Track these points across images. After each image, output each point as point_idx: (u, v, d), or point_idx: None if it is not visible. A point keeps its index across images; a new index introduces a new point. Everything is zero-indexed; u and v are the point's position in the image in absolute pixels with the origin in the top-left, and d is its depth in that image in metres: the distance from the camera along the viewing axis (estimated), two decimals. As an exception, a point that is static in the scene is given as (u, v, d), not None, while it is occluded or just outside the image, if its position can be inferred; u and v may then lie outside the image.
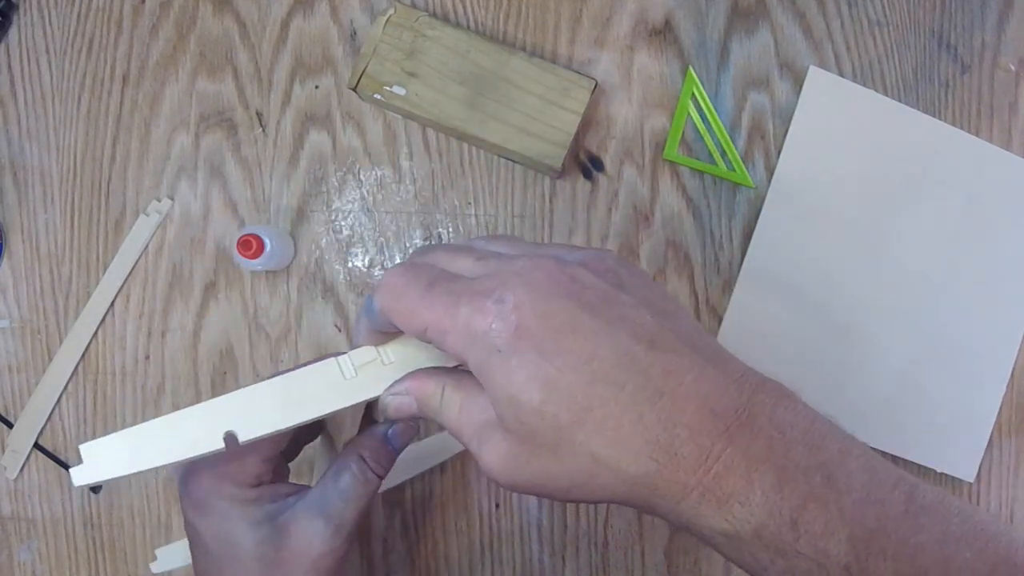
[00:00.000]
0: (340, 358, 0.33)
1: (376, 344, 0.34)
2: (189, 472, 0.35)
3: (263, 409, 0.31)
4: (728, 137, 0.54)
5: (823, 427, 0.29)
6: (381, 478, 0.35)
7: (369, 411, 0.37)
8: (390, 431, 0.36)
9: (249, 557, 0.34)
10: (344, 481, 0.34)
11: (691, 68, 0.54)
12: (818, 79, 0.53)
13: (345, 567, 0.35)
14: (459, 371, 0.33)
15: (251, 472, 0.35)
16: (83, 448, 0.30)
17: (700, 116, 0.54)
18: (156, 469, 0.31)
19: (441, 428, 0.44)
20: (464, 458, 0.54)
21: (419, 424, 0.36)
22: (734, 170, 0.54)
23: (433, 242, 0.56)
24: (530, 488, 0.30)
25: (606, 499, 0.29)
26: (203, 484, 0.35)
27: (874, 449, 0.30)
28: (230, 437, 0.30)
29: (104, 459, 0.30)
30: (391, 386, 0.33)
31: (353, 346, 0.35)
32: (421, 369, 0.33)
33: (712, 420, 0.28)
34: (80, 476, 0.30)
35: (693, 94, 0.54)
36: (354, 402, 0.33)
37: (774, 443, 0.28)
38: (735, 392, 0.29)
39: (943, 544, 0.27)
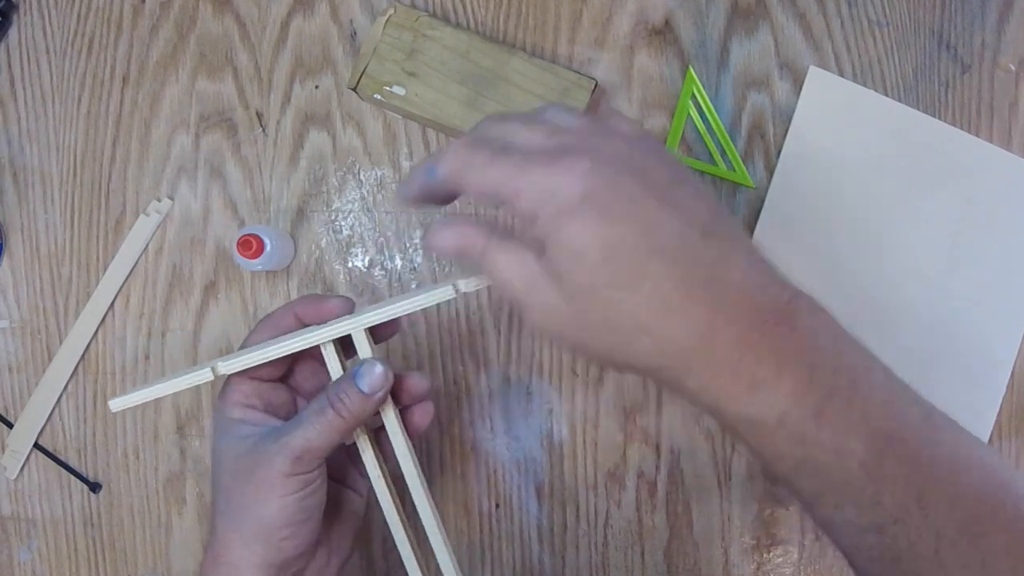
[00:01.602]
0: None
1: (417, 205, 0.36)
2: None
3: (244, 354, 0.40)
4: (728, 137, 0.54)
5: (850, 341, 0.31)
6: (342, 415, 0.37)
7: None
8: (357, 371, 0.38)
9: (225, 469, 0.38)
10: (305, 413, 0.38)
11: (691, 68, 0.54)
12: (818, 79, 0.53)
13: (305, 494, 0.37)
14: (504, 230, 0.34)
15: (242, 390, 0.40)
16: (112, 402, 0.40)
17: (700, 116, 0.54)
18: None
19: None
20: (464, 458, 0.55)
21: (391, 374, 0.39)
22: (734, 170, 0.54)
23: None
24: (572, 343, 0.32)
25: (639, 367, 0.31)
26: (216, 409, 0.41)
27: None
28: (214, 368, 0.39)
29: (132, 397, 0.40)
30: (434, 225, 0.34)
31: (400, 199, 0.42)
32: (468, 219, 0.34)
33: (754, 312, 0.30)
34: (117, 404, 0.39)
35: (693, 94, 0.54)
36: (305, 344, 0.39)
37: (806, 343, 0.30)
38: (778, 291, 0.30)
39: (953, 460, 0.30)
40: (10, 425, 0.56)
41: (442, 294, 0.38)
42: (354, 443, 0.42)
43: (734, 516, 0.54)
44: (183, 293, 0.56)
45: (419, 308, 0.39)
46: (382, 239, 0.56)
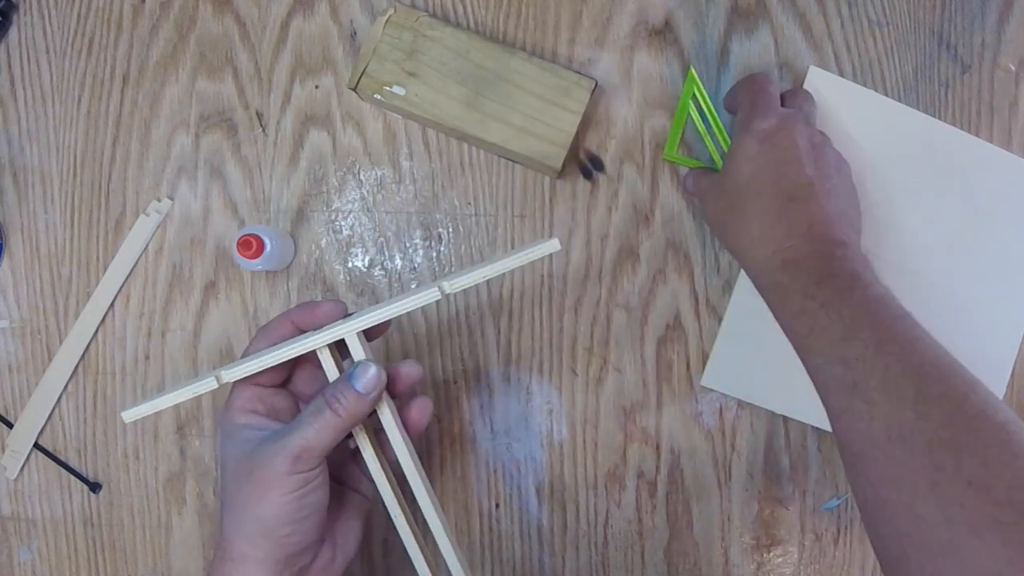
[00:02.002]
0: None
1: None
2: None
3: (246, 362, 0.41)
4: (728, 137, 0.54)
5: (877, 282, 0.43)
6: (339, 415, 0.39)
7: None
8: (352, 372, 0.40)
9: (230, 472, 0.40)
10: (303, 415, 0.39)
11: (692, 68, 0.53)
12: (818, 79, 0.53)
13: (304, 492, 0.38)
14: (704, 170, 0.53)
15: (245, 396, 0.42)
16: (125, 414, 0.40)
17: (700, 116, 0.54)
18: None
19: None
20: (464, 458, 0.55)
21: (384, 374, 0.41)
22: None
23: (433, 243, 0.56)
24: (717, 224, 0.49)
25: (737, 248, 0.48)
26: (221, 417, 0.42)
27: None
28: (218, 376, 0.40)
29: (143, 408, 0.40)
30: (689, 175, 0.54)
31: (725, 102, 0.53)
32: (701, 168, 0.53)
33: (816, 238, 0.44)
34: (129, 415, 0.40)
35: (694, 94, 0.54)
36: (303, 350, 0.40)
37: (836, 263, 0.43)
38: (834, 239, 0.44)
39: (914, 340, 0.40)
40: (10, 425, 0.56)
41: (428, 296, 0.40)
42: (357, 446, 0.43)
43: (734, 516, 0.54)
44: (183, 293, 0.56)
45: (408, 310, 0.41)
46: (382, 239, 0.56)
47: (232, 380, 0.41)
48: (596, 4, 0.56)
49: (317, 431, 0.38)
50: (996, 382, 0.52)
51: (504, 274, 0.55)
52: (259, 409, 0.42)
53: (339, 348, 0.42)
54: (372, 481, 0.44)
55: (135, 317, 0.56)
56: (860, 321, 0.40)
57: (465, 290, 0.55)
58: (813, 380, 0.42)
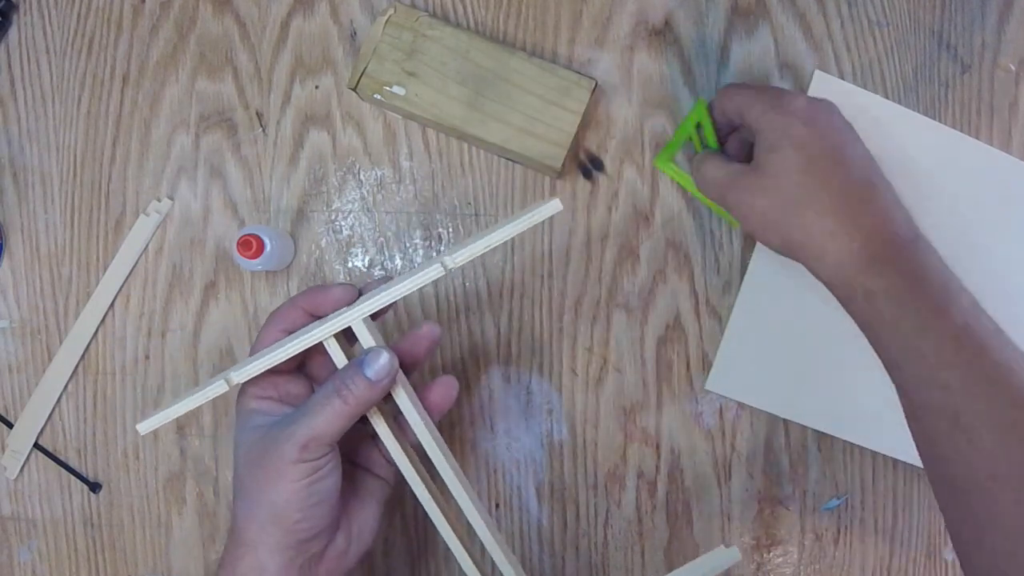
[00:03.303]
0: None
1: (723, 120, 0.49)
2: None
3: (253, 361, 0.40)
4: None
5: (945, 271, 0.43)
6: (348, 403, 0.38)
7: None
8: (363, 358, 0.39)
9: (241, 458, 0.40)
10: (311, 402, 0.39)
11: (702, 99, 0.50)
12: (823, 83, 0.53)
13: (314, 479, 0.38)
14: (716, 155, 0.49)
15: (257, 382, 0.41)
16: (140, 426, 0.40)
17: (701, 143, 0.51)
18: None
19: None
20: (464, 458, 0.55)
21: (396, 361, 0.40)
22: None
23: (433, 243, 0.56)
24: (742, 209, 0.45)
25: (788, 245, 0.44)
26: (237, 403, 0.43)
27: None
28: (228, 379, 0.40)
29: (157, 418, 0.40)
30: (696, 159, 0.49)
31: (716, 112, 0.49)
32: (712, 154, 0.49)
33: (881, 235, 0.42)
34: (144, 427, 0.40)
35: (699, 123, 0.50)
36: (308, 343, 0.40)
37: (911, 262, 0.42)
38: (899, 229, 0.43)
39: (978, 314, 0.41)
40: (10, 425, 0.56)
41: (432, 272, 0.39)
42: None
43: (734, 516, 0.54)
44: (183, 293, 0.56)
45: (413, 289, 0.40)
46: (382, 239, 0.56)
47: (241, 381, 0.40)
48: (596, 4, 0.56)
49: (325, 419, 0.38)
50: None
51: (504, 274, 0.55)
52: (272, 395, 0.42)
53: (347, 334, 0.42)
54: (392, 464, 0.43)
55: (135, 317, 0.56)
56: (956, 345, 0.39)
57: (465, 290, 0.55)
58: (902, 399, 0.41)
